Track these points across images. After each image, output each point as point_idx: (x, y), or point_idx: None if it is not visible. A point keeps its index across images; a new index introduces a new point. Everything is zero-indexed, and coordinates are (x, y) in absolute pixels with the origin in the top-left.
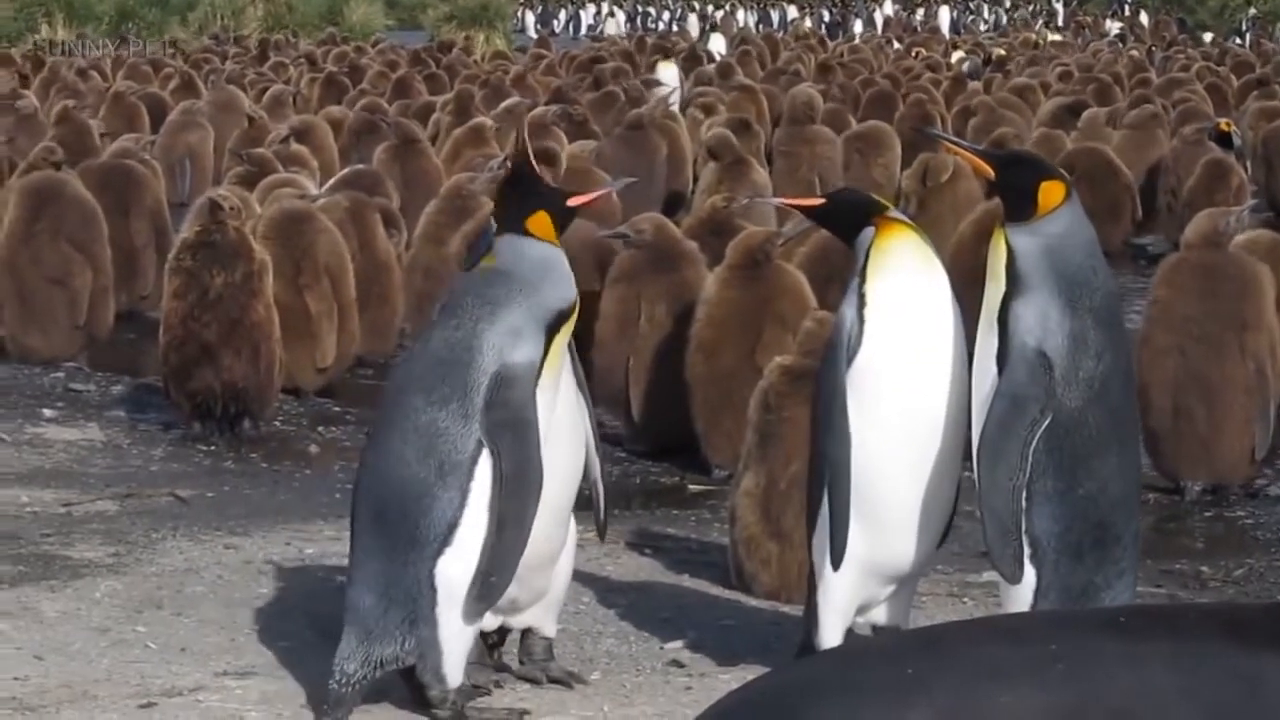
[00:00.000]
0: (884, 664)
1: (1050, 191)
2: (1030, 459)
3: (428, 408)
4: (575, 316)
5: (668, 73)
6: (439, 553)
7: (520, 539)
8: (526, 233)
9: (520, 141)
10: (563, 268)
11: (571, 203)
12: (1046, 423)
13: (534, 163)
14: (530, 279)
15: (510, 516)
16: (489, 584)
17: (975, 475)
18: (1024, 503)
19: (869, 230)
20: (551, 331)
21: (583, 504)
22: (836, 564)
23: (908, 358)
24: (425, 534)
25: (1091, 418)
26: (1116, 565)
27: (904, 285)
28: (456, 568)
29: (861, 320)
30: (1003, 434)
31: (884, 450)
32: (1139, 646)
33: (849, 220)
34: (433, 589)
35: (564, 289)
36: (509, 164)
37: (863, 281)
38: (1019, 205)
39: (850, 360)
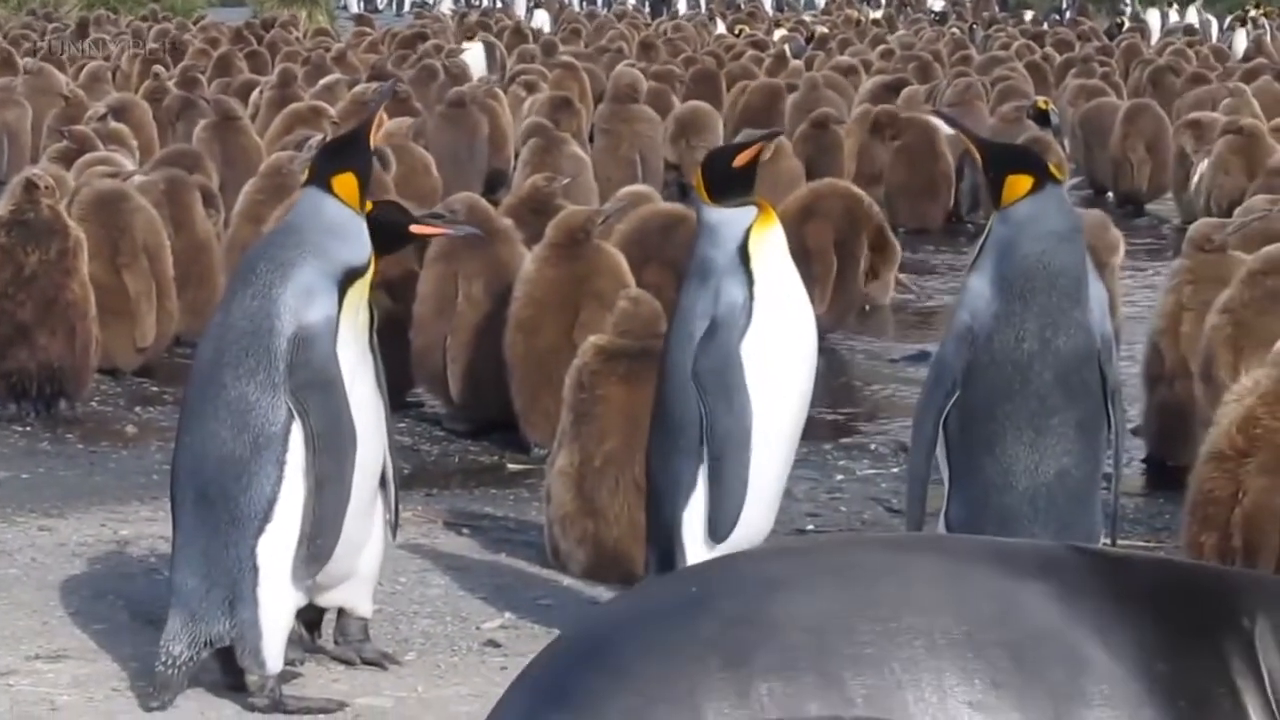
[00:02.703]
0: (678, 585)
1: (1014, 185)
2: (941, 430)
3: (235, 382)
4: (370, 275)
5: (473, 52)
6: (260, 530)
7: (341, 497)
8: (329, 190)
9: (372, 112)
10: (354, 228)
11: (414, 229)
12: (957, 396)
13: (371, 133)
14: (319, 237)
15: (328, 475)
16: (315, 546)
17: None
18: (947, 480)
19: (749, 211)
20: (344, 286)
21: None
22: (724, 535)
23: (793, 333)
24: (246, 511)
25: (1001, 404)
26: None
27: (784, 267)
28: (277, 546)
29: (752, 296)
30: (924, 401)
31: (770, 421)
32: (907, 559)
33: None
34: (254, 569)
35: (354, 248)
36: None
37: (746, 260)
38: (994, 194)
39: (742, 334)
